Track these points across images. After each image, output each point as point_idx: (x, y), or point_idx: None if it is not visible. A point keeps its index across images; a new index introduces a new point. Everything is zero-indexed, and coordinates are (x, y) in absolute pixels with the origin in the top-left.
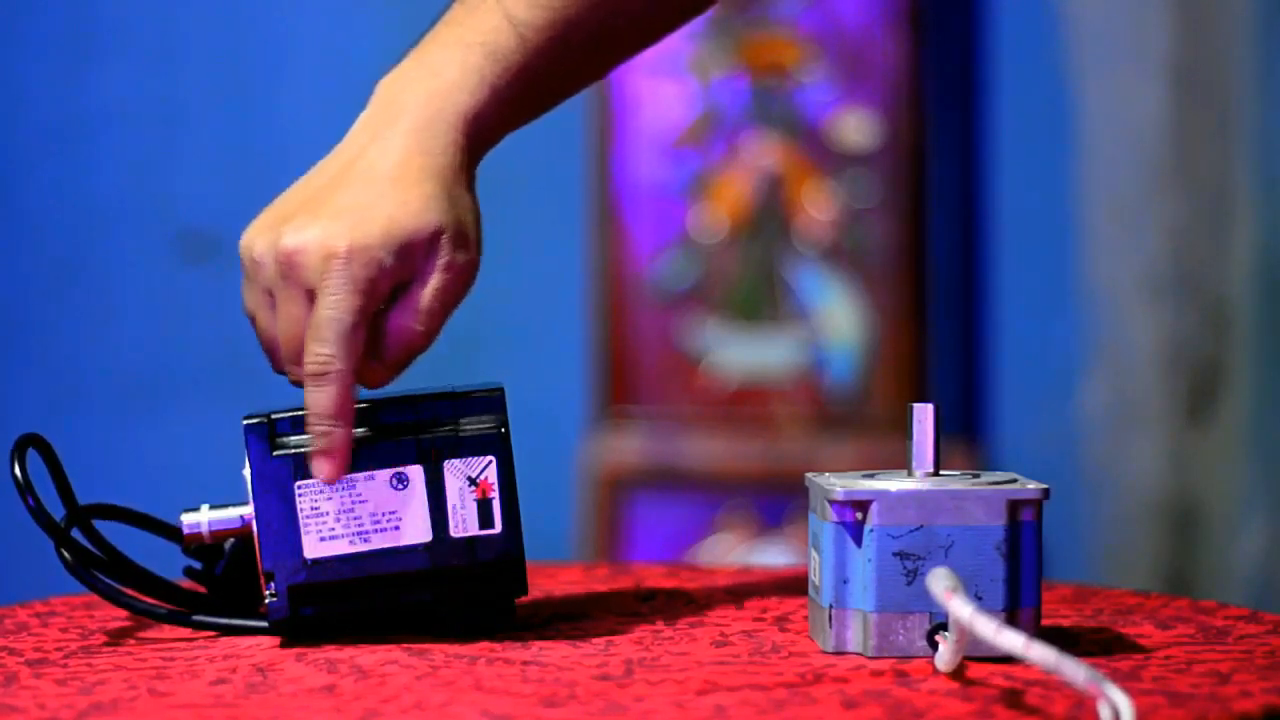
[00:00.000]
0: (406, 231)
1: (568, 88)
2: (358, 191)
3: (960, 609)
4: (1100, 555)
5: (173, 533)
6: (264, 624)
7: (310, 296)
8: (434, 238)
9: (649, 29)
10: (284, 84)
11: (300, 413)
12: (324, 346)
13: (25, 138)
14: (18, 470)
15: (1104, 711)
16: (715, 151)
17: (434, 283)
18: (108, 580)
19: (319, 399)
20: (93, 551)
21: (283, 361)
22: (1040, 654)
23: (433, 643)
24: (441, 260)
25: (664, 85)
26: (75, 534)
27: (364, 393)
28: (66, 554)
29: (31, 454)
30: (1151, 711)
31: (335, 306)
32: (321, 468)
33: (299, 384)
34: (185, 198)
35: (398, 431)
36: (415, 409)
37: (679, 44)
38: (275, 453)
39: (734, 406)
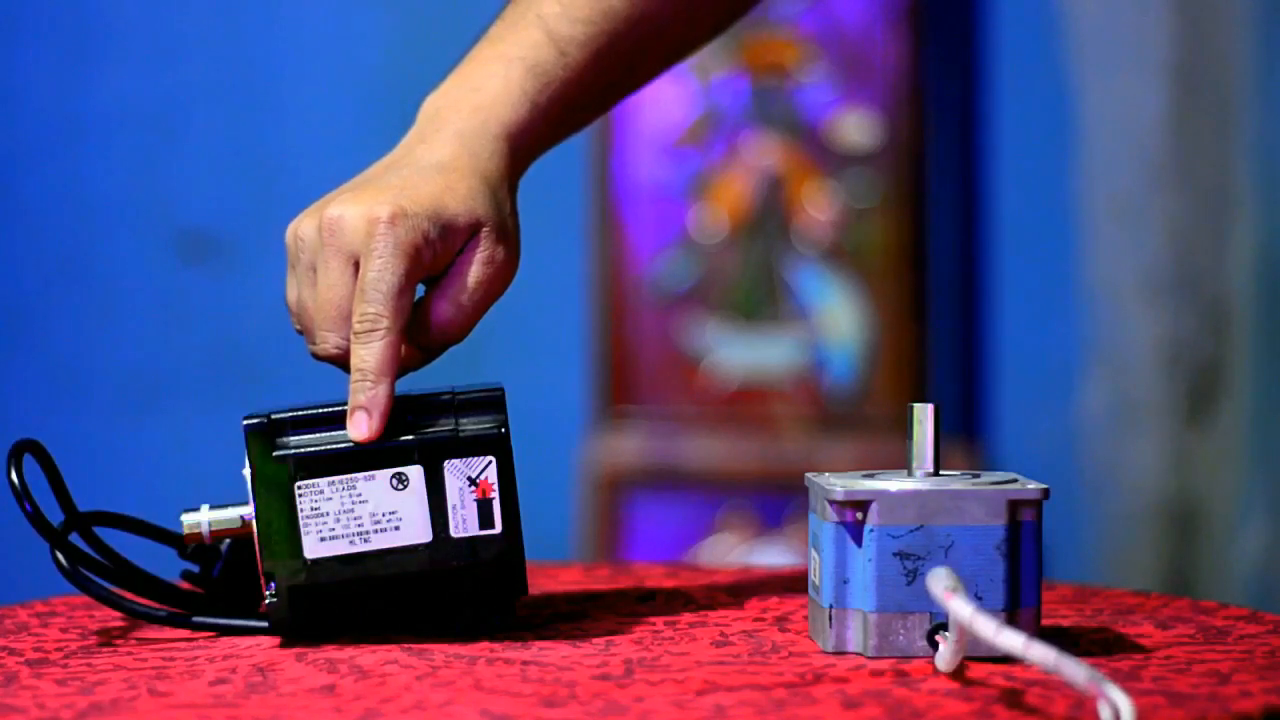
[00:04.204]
0: (450, 211)
1: (605, 102)
2: (404, 175)
3: (960, 609)
4: (1100, 555)
5: (169, 537)
6: (264, 624)
7: (352, 263)
8: (475, 226)
9: (684, 43)
10: (284, 84)
11: (300, 413)
12: (372, 306)
13: (25, 138)
14: (14, 476)
15: (1104, 711)
16: (715, 151)
17: (474, 274)
18: (101, 582)
19: (364, 355)
20: (90, 555)
21: (319, 329)
22: (1040, 654)
23: (433, 643)
24: (483, 253)
25: (664, 85)
26: (74, 538)
27: None
28: (62, 558)
29: (29, 457)
30: (1151, 711)
31: (381, 269)
32: (360, 424)
33: (331, 357)
34: (185, 198)
35: (398, 431)
36: (415, 409)
37: None
38: (275, 453)
39: (734, 406)
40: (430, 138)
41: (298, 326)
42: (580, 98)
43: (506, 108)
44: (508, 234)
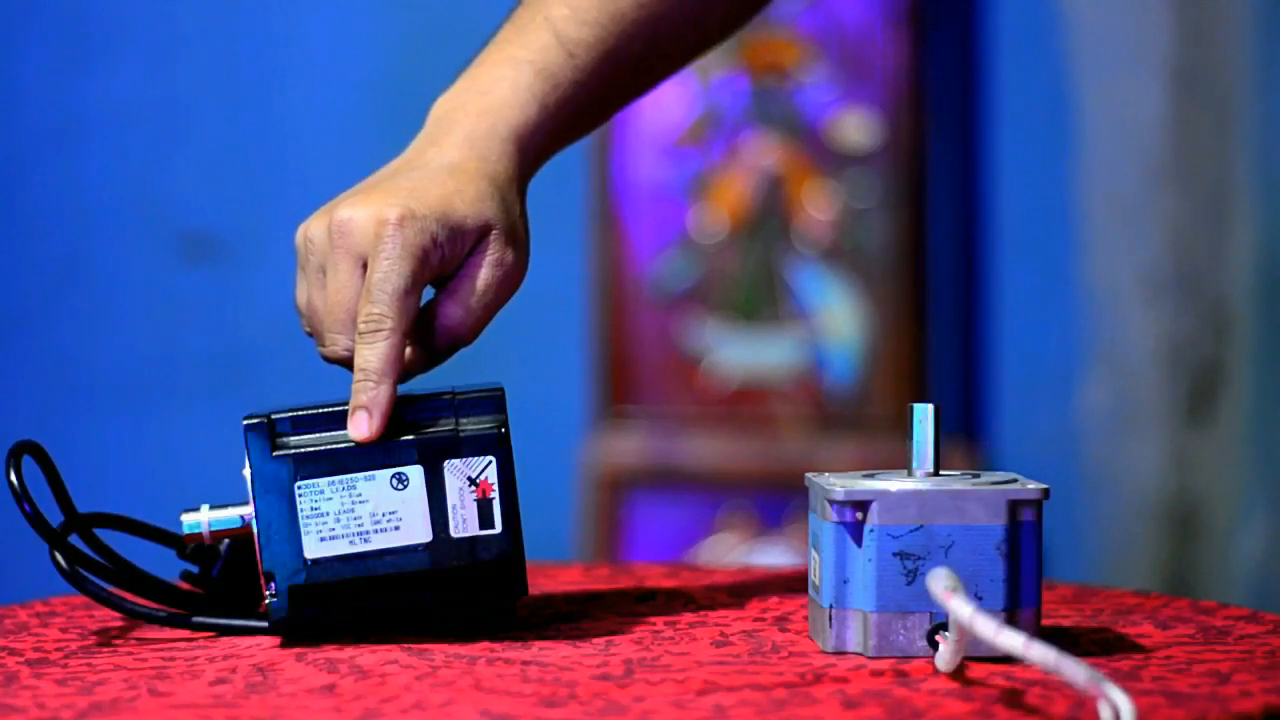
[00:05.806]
0: (459, 214)
1: (614, 104)
2: (414, 178)
3: (960, 609)
4: (1100, 555)
5: (169, 538)
6: (264, 624)
7: (361, 264)
8: (484, 230)
9: (693, 46)
10: (283, 84)
11: (301, 413)
12: (376, 306)
13: (24, 138)
14: (13, 477)
15: (1104, 711)
16: (715, 151)
17: (483, 276)
18: (101, 583)
19: (367, 355)
20: (89, 555)
21: (328, 331)
22: (1040, 654)
23: (433, 643)
24: (492, 256)
25: (664, 86)
26: (73, 539)
27: None
28: (61, 559)
29: (28, 458)
30: (1151, 711)
31: (388, 270)
32: (361, 424)
33: (340, 359)
34: (184, 198)
35: (398, 431)
36: (415, 409)
37: None
38: (275, 453)
39: (734, 406)
40: (439, 140)
41: (307, 328)
42: (589, 100)
43: (515, 110)
44: (517, 237)
